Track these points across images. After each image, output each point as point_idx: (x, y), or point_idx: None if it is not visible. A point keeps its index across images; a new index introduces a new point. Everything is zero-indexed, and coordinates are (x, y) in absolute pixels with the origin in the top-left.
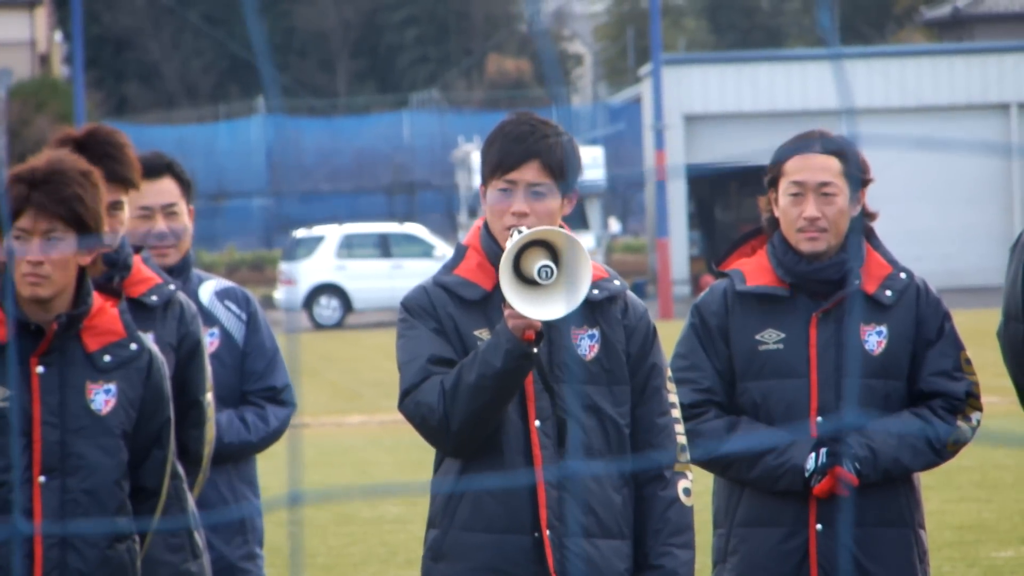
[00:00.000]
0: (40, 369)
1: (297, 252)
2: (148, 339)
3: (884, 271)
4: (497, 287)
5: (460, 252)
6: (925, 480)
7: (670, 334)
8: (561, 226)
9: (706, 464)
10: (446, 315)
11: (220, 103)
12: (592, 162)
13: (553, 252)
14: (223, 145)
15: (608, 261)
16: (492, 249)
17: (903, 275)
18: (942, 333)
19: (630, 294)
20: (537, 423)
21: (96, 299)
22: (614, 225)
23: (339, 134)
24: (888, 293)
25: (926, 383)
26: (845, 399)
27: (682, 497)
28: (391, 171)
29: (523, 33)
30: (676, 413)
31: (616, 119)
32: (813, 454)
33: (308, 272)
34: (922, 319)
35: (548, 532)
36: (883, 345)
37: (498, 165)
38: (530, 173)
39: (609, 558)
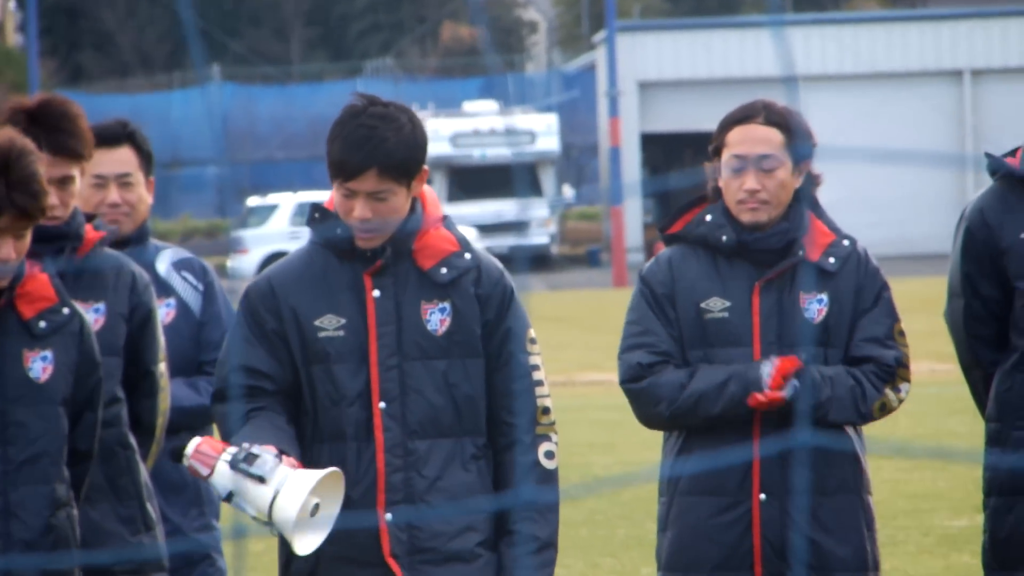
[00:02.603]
0: None
1: (250, 220)
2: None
3: (827, 239)
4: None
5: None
6: (881, 449)
7: (625, 301)
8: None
9: (671, 416)
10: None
11: (175, 71)
12: (546, 129)
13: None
14: (177, 113)
15: (562, 229)
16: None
17: (846, 242)
18: (878, 301)
19: (485, 260)
20: (382, 404)
21: (26, 266)
22: (568, 192)
23: (293, 102)
24: (832, 260)
25: (857, 348)
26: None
27: (543, 460)
28: None
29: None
30: (537, 375)
31: (571, 86)
32: (767, 363)
33: (262, 240)
34: (860, 287)
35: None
36: (823, 313)
37: (338, 170)
38: (369, 183)
39: (454, 534)
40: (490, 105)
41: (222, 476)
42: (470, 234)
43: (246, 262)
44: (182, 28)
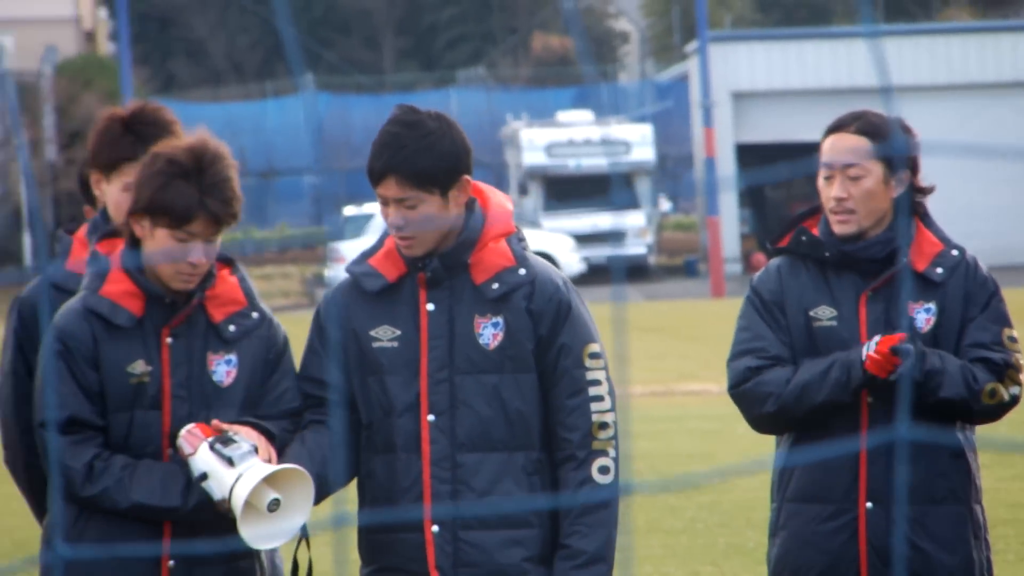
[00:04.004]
0: (170, 341)
1: (347, 229)
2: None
3: (935, 248)
4: (401, 279)
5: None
6: (980, 459)
7: (723, 311)
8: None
9: (777, 410)
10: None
11: (267, 80)
12: (641, 139)
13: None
14: (271, 122)
15: (659, 239)
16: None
17: (955, 252)
18: (987, 308)
19: (542, 276)
20: (431, 417)
21: (216, 269)
22: (664, 203)
23: (386, 111)
24: (939, 271)
25: (964, 353)
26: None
27: (596, 476)
28: None
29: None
30: (595, 391)
31: (664, 96)
32: (865, 344)
33: (358, 250)
34: (969, 295)
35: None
36: (931, 323)
37: (369, 176)
38: (392, 189)
39: (499, 548)
40: (585, 115)
41: (200, 457)
42: (566, 244)
43: (343, 271)
44: (273, 36)
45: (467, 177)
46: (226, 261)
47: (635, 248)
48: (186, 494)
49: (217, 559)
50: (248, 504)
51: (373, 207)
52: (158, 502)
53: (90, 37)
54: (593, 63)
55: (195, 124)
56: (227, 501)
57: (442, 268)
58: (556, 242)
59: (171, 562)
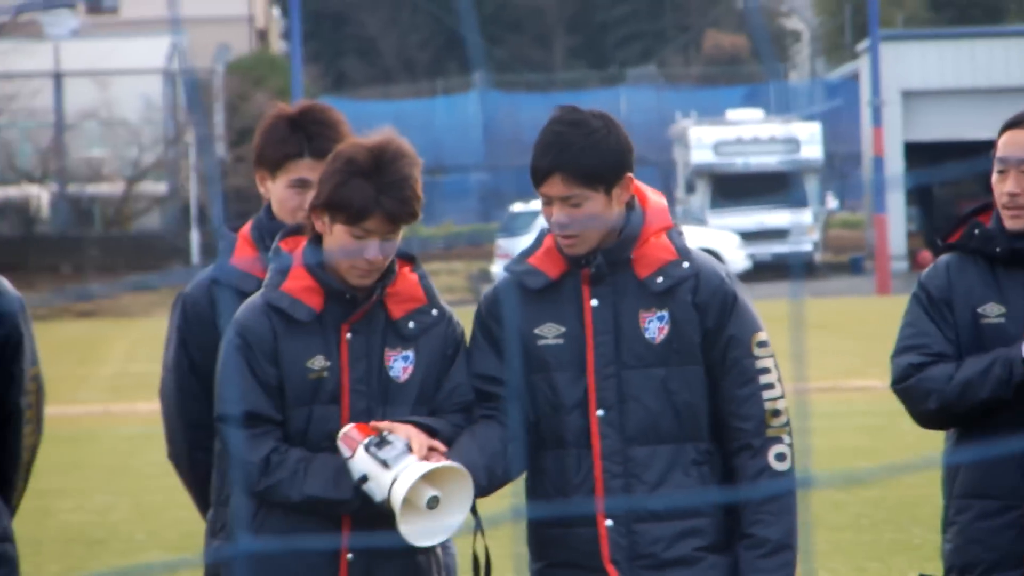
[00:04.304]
0: (349, 336)
1: (514, 226)
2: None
3: None
4: (562, 277)
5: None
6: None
7: (888, 309)
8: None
9: (940, 408)
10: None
11: (437, 78)
12: (810, 138)
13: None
14: (440, 120)
15: (824, 237)
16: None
17: None
18: None
19: (706, 269)
20: (600, 412)
21: (396, 266)
22: (831, 201)
23: None
24: None
25: None
26: None
27: (773, 463)
28: None
29: (740, 9)
30: (766, 379)
31: (833, 95)
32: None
33: (525, 246)
34: None
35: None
36: None
37: (531, 176)
38: (557, 187)
39: (673, 539)
40: (754, 113)
41: (358, 459)
42: (732, 241)
43: (503, 271)
44: (444, 34)
45: (630, 175)
46: (407, 258)
47: (801, 245)
48: (358, 488)
49: (395, 553)
50: (407, 502)
51: (538, 204)
52: (330, 495)
53: (262, 36)
54: (763, 62)
55: (365, 122)
56: (388, 502)
57: (605, 264)
58: (722, 239)
59: (349, 555)
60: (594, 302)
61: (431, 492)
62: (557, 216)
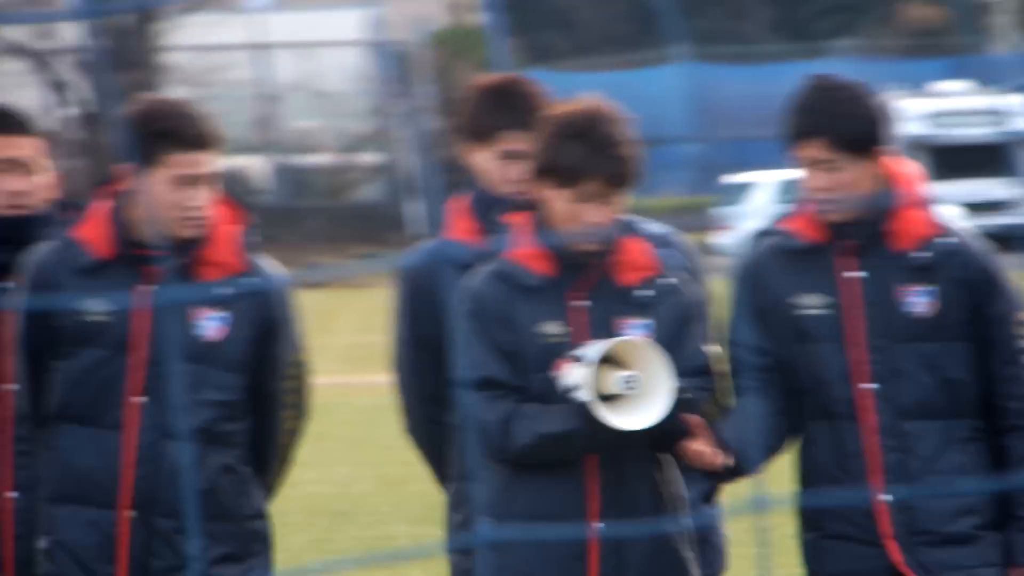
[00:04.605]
0: (582, 304)
1: (730, 198)
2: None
3: None
4: (819, 246)
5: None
6: None
7: None
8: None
9: None
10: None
11: (640, 50)
12: (1020, 110)
13: (616, 360)
14: (645, 91)
15: None
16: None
17: None
18: None
19: (972, 244)
20: (874, 386)
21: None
22: None
23: (761, 81)
24: None
25: None
26: None
27: None
28: None
29: None
30: None
31: None
32: None
33: (743, 217)
34: None
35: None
36: None
37: (789, 139)
38: (817, 151)
39: (952, 516)
40: (959, 85)
41: (562, 373)
42: (954, 213)
43: (728, 239)
44: (646, 5)
45: (887, 146)
46: (631, 229)
47: (1018, 217)
48: (582, 416)
49: (645, 541)
50: (608, 398)
51: (752, 176)
52: (558, 428)
53: (463, 7)
54: (966, 34)
55: (567, 93)
56: (591, 400)
57: (866, 235)
58: (944, 212)
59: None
60: (858, 274)
61: (625, 373)
62: (814, 180)
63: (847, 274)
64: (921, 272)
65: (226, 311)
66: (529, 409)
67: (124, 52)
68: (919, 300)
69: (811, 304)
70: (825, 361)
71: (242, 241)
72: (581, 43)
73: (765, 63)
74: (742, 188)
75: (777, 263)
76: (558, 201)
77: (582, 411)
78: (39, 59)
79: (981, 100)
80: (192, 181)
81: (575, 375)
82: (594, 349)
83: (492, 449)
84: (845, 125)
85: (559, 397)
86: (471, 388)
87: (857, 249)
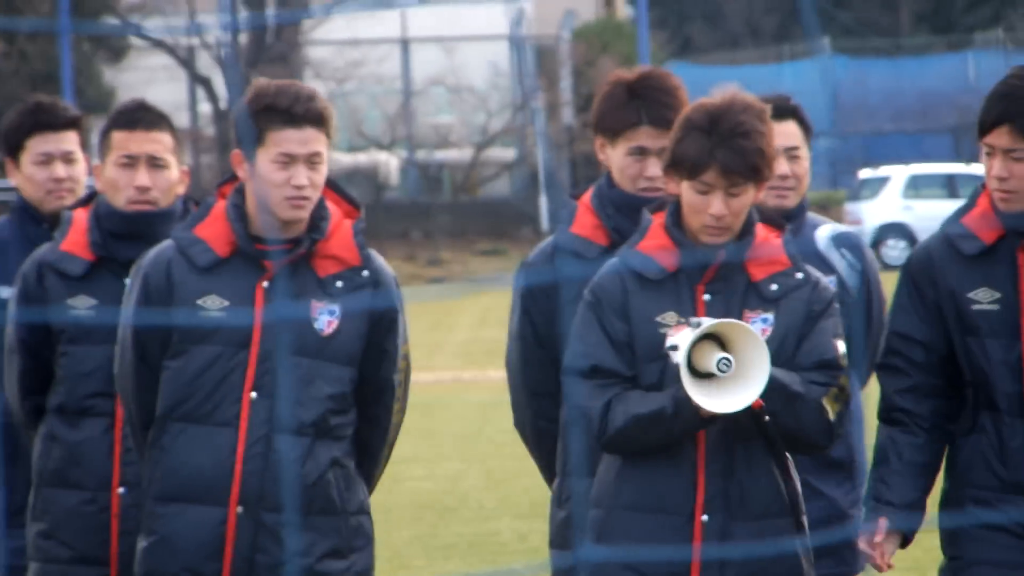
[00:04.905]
0: (707, 297)
1: (862, 192)
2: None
3: None
4: (999, 242)
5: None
6: None
7: None
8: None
9: None
10: None
11: (784, 43)
12: None
13: (721, 341)
14: (787, 85)
15: None
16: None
17: None
18: None
19: None
20: None
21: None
22: None
23: (903, 75)
24: None
25: None
26: None
27: None
28: (956, 112)
29: None
30: None
31: None
32: None
33: (874, 212)
34: None
35: None
36: None
37: (980, 126)
38: (1003, 138)
39: None
40: None
41: (673, 332)
42: None
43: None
44: None
45: None
46: (774, 223)
47: None
48: (674, 397)
49: (750, 563)
50: (698, 373)
51: (889, 170)
52: (650, 407)
53: (609, 1)
54: None
55: (710, 88)
56: (681, 365)
57: None
58: None
59: (704, 517)
60: None
61: (722, 354)
62: (998, 169)
63: (1022, 271)
64: None
65: (338, 304)
66: (631, 394)
67: (268, 48)
68: None
69: (983, 299)
70: (992, 355)
71: (356, 234)
72: (725, 37)
73: (912, 56)
74: (878, 183)
75: (952, 259)
76: (684, 193)
77: (675, 392)
78: (184, 54)
79: None
80: (296, 160)
81: (678, 337)
82: (703, 322)
83: (593, 435)
84: None
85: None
86: (579, 376)
87: None
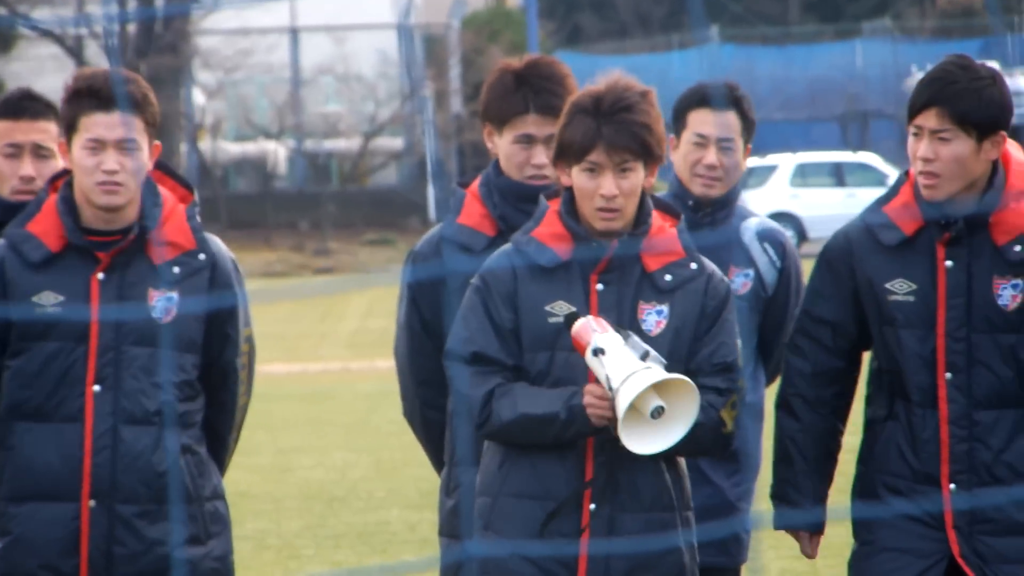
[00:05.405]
0: (600, 287)
1: (750, 180)
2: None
3: None
4: (917, 234)
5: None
6: None
7: None
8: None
9: None
10: None
11: (672, 32)
12: None
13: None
14: (676, 74)
15: None
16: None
17: None
18: None
19: None
20: (948, 375)
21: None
22: None
23: (791, 63)
24: None
25: None
26: None
27: None
28: (844, 100)
29: None
30: None
31: None
32: None
33: (762, 200)
34: None
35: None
36: None
37: (909, 108)
38: (931, 120)
39: (1017, 506)
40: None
41: (609, 336)
42: None
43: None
44: None
45: (1004, 134)
46: (670, 212)
47: None
48: (568, 405)
49: (635, 555)
50: (632, 408)
51: (776, 158)
52: (541, 410)
53: None
54: (999, 14)
55: (598, 76)
56: (612, 392)
57: (965, 227)
58: None
59: (592, 505)
60: (948, 263)
61: (658, 402)
62: (923, 150)
63: (941, 263)
64: (1013, 266)
65: (176, 291)
66: (517, 387)
67: (157, 37)
68: (1005, 293)
69: (899, 289)
70: (905, 347)
71: (190, 218)
72: (614, 26)
73: (799, 44)
74: (765, 171)
75: (870, 249)
76: (575, 179)
77: (570, 399)
78: (72, 44)
79: (1009, 82)
80: (106, 144)
81: (616, 347)
82: (651, 368)
83: (475, 421)
84: (962, 99)
85: (552, 381)
86: (461, 362)
87: (952, 239)
